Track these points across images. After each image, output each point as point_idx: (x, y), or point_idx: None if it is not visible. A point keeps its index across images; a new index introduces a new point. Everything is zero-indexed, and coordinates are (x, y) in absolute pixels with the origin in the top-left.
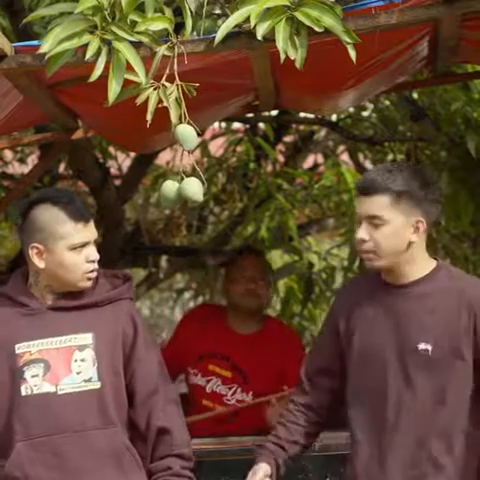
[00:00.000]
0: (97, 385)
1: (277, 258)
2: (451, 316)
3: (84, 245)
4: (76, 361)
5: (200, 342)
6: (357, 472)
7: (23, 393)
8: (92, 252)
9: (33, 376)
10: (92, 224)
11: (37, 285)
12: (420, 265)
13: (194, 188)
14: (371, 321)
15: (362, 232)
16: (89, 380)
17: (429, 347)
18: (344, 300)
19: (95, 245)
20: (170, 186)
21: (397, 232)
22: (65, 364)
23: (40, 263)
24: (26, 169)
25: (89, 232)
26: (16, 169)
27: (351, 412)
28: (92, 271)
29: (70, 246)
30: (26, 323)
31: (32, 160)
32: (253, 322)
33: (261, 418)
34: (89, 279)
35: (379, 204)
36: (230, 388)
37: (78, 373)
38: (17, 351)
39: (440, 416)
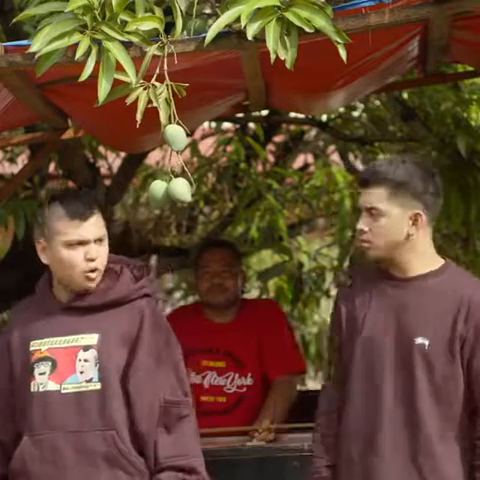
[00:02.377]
0: (97, 386)
1: (267, 258)
2: (450, 317)
3: (81, 243)
4: (80, 361)
5: (185, 342)
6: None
7: (31, 390)
8: (92, 250)
9: (41, 374)
10: (93, 222)
11: (55, 283)
12: (425, 260)
13: (182, 188)
14: (376, 316)
15: (361, 223)
16: (90, 381)
17: (426, 342)
18: (350, 302)
19: (102, 243)
20: (158, 186)
21: (394, 224)
22: (70, 363)
23: (44, 259)
24: (16, 169)
25: (85, 230)
26: (6, 169)
27: (348, 406)
28: (92, 270)
29: (64, 242)
30: (41, 321)
31: (22, 160)
32: (229, 311)
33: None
34: (90, 279)
35: (376, 196)
36: (227, 377)
37: (81, 373)
38: (31, 348)
39: (434, 412)
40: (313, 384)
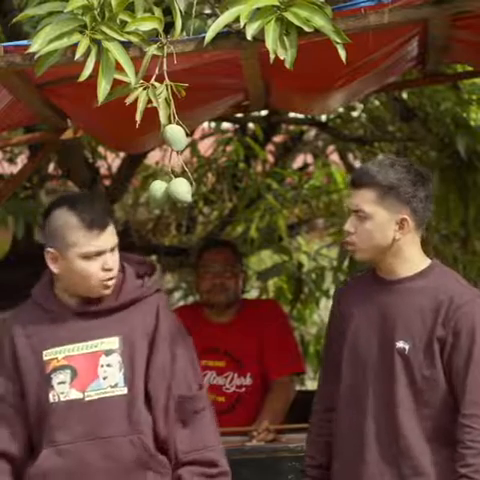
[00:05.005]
0: (124, 391)
1: (267, 258)
2: (429, 319)
3: (99, 254)
4: (102, 366)
5: None
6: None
7: (51, 400)
8: (109, 260)
9: (60, 383)
10: (109, 232)
11: (59, 289)
12: (412, 262)
13: (182, 188)
14: (362, 317)
15: (348, 224)
16: (115, 386)
17: (406, 346)
18: (342, 301)
19: (115, 251)
20: (158, 186)
21: (380, 228)
22: (92, 370)
23: (54, 268)
24: (15, 169)
25: (103, 241)
26: (5, 169)
27: (339, 408)
28: (110, 278)
29: (81, 255)
30: (52, 329)
31: (22, 160)
32: (230, 311)
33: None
34: (107, 287)
35: (364, 198)
36: (226, 377)
37: (104, 378)
38: (45, 358)
39: (415, 414)
40: (312, 384)
